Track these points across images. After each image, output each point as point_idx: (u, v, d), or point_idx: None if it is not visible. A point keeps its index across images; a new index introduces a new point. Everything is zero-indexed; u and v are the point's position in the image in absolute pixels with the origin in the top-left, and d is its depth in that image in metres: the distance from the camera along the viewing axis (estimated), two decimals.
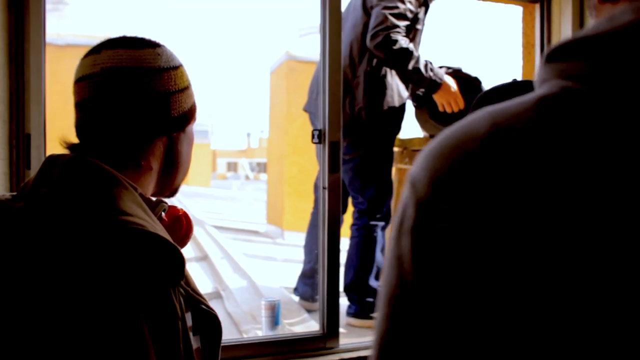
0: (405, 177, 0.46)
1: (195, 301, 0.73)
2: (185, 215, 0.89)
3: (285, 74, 6.28)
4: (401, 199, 0.41)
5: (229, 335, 2.50)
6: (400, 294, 0.38)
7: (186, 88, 0.80)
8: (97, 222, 0.63)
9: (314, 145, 1.74)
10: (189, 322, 0.71)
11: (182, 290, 0.69)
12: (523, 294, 0.33)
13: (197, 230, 5.07)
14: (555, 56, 0.39)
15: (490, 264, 0.33)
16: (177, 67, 0.79)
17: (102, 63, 0.74)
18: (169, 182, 0.83)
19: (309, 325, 2.49)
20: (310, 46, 6.51)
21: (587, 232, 0.32)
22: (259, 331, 2.34)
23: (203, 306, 0.74)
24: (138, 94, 0.74)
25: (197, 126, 0.90)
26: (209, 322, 0.76)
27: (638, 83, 0.34)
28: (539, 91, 0.38)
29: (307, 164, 6.06)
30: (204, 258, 4.21)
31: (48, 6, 1.36)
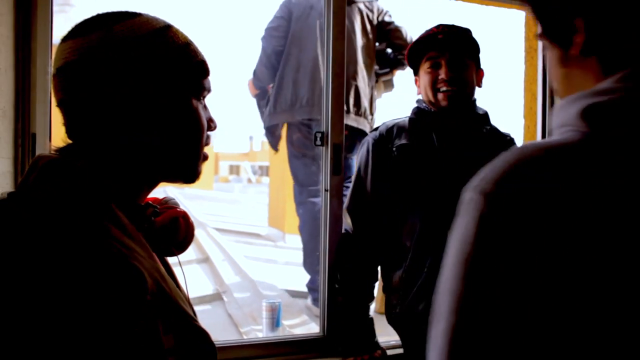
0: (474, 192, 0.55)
1: (179, 320, 0.67)
2: (185, 216, 0.84)
3: None
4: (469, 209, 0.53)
5: (229, 336, 2.50)
6: (477, 264, 0.50)
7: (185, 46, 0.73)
8: (53, 240, 0.58)
9: (317, 149, 1.75)
10: (171, 343, 0.65)
11: (157, 311, 0.63)
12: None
13: (199, 233, 5.08)
14: (589, 113, 0.52)
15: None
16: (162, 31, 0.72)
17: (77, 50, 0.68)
18: (174, 163, 0.75)
19: (310, 327, 2.49)
20: None
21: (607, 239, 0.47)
22: (260, 332, 2.34)
23: (198, 328, 0.69)
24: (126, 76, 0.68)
25: None
26: (198, 341, 0.70)
27: None
28: (577, 134, 0.53)
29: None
30: (205, 260, 4.21)
31: (54, 8, 1.37)
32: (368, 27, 2.50)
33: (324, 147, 1.64)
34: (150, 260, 0.67)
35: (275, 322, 1.70)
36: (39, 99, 1.32)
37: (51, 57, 1.34)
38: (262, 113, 2.74)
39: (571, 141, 0.53)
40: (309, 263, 2.70)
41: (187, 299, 0.75)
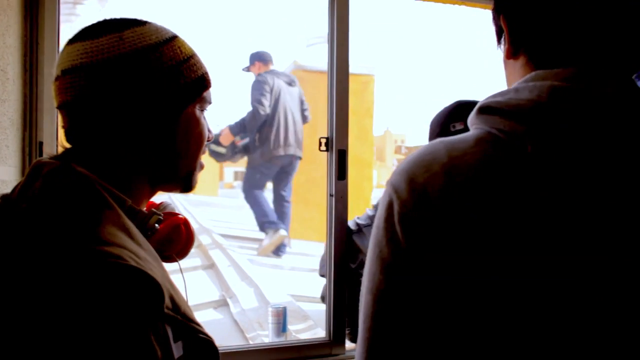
0: (386, 182, 0.59)
1: (187, 329, 0.67)
2: (186, 223, 0.85)
3: None
4: (384, 198, 0.56)
5: (235, 341, 2.51)
6: (396, 261, 0.53)
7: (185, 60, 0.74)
8: (70, 254, 0.57)
9: (320, 154, 1.76)
10: (180, 352, 0.65)
11: (169, 320, 0.63)
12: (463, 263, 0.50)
13: (204, 239, 5.08)
14: (487, 110, 0.55)
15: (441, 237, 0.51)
16: (168, 41, 0.73)
17: (87, 54, 0.68)
18: (170, 172, 0.76)
19: (315, 332, 2.49)
20: (317, 56, 6.55)
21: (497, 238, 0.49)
22: (266, 338, 2.35)
23: (201, 335, 0.69)
24: (133, 83, 0.68)
25: None
26: (204, 349, 0.70)
27: (549, 144, 0.50)
28: (475, 131, 0.56)
29: (314, 173, 6.06)
30: (211, 266, 4.22)
31: (60, 17, 1.39)
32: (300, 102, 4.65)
33: (328, 153, 1.65)
34: (161, 270, 0.67)
35: (281, 327, 1.70)
36: (46, 108, 1.34)
37: None
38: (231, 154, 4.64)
39: (466, 137, 0.56)
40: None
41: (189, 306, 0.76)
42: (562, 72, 0.54)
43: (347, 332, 1.59)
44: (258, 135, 4.41)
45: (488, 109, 0.55)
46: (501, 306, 0.48)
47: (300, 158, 4.64)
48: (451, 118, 1.33)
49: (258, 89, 4.39)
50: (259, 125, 4.37)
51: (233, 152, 4.51)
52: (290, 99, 4.50)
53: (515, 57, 0.60)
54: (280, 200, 4.63)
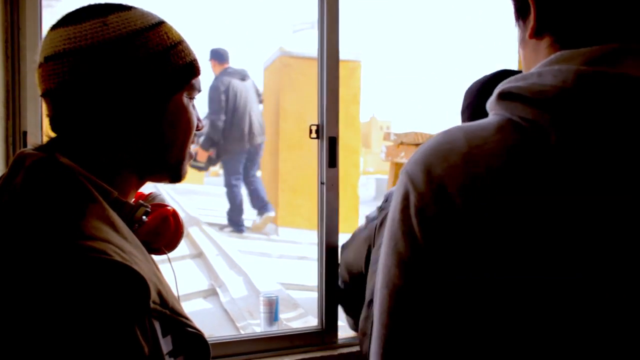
0: (400, 171, 0.55)
1: (176, 323, 0.66)
2: (175, 214, 0.83)
3: (279, 69, 6.25)
4: (399, 188, 0.54)
5: (226, 331, 2.50)
6: (413, 256, 0.50)
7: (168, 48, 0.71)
8: (53, 250, 0.56)
9: (308, 142, 1.75)
10: (169, 347, 0.64)
11: (156, 315, 0.62)
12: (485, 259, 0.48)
13: (191, 228, 5.05)
14: (508, 96, 0.52)
15: (460, 231, 0.49)
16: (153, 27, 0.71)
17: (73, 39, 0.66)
18: (159, 163, 0.75)
19: (306, 320, 2.50)
20: (304, 42, 6.49)
21: (520, 228, 0.46)
22: (256, 327, 2.34)
23: (189, 328, 0.68)
24: (118, 69, 0.66)
25: None
26: (193, 343, 0.69)
27: (570, 131, 0.47)
28: (495, 118, 0.53)
29: (301, 160, 6.04)
30: (199, 255, 4.20)
31: (42, 2, 1.35)
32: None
33: (319, 140, 1.63)
34: (148, 263, 0.66)
35: (273, 317, 1.70)
36: (30, 96, 1.30)
37: None
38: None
39: (487, 124, 0.52)
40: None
41: (178, 299, 0.75)
42: (589, 52, 0.49)
43: (349, 319, 1.56)
44: (225, 139, 5.06)
45: (509, 95, 0.52)
46: (524, 305, 0.46)
47: (263, 141, 5.35)
48: (494, 87, 1.19)
49: (212, 98, 4.93)
50: (221, 131, 4.96)
51: (210, 163, 5.28)
52: (247, 94, 4.99)
53: (539, 37, 0.55)
54: (250, 179, 5.21)
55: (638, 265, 0.45)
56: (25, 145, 1.31)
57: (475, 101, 1.17)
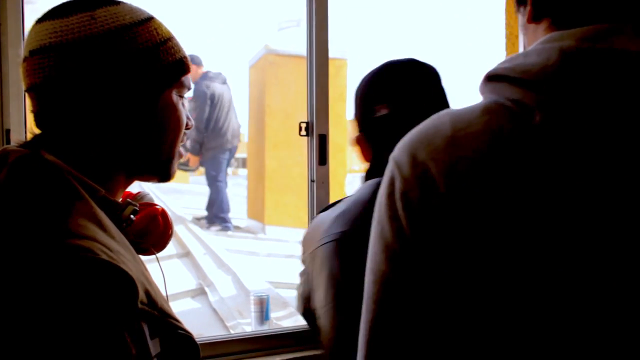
0: (390, 157, 0.55)
1: (164, 325, 0.64)
2: (164, 214, 0.82)
3: (265, 67, 6.22)
4: (386, 174, 0.54)
5: (215, 331, 2.48)
6: (398, 241, 0.50)
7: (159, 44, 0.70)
8: (37, 248, 0.54)
9: (294, 140, 1.74)
10: (157, 349, 0.63)
11: (144, 316, 0.60)
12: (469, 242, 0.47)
13: (177, 227, 5.01)
14: (495, 78, 0.52)
15: (441, 214, 0.49)
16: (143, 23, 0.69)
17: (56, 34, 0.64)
18: (150, 159, 0.73)
19: (296, 319, 2.49)
20: (289, 40, 6.47)
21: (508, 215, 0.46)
22: (247, 326, 2.33)
23: (180, 331, 0.66)
24: (104, 64, 0.64)
25: None
26: (183, 345, 0.67)
27: (559, 112, 0.46)
28: (483, 101, 0.52)
29: (288, 159, 6.02)
30: (186, 254, 4.16)
31: None
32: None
33: (309, 138, 1.62)
34: (136, 263, 0.64)
35: (264, 316, 1.68)
36: (13, 93, 1.26)
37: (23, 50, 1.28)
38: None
39: (474, 107, 0.52)
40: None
41: (166, 299, 0.73)
42: (580, 32, 0.48)
43: None
44: (210, 138, 5.18)
45: (496, 77, 0.51)
46: (507, 289, 0.45)
47: (237, 144, 5.52)
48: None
49: (198, 102, 5.03)
50: (204, 135, 5.13)
51: (197, 167, 5.56)
52: (226, 98, 5.15)
53: (537, 21, 0.55)
54: (214, 182, 5.29)
55: (622, 245, 0.44)
56: (8, 144, 1.27)
57: (358, 109, 1.04)
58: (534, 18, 0.55)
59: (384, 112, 0.98)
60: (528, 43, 0.58)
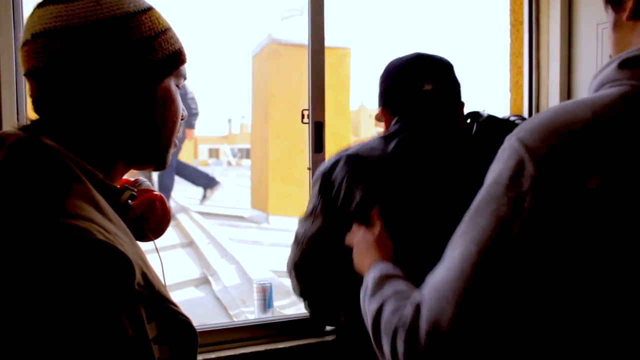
0: (507, 139, 0.55)
1: (161, 309, 0.64)
2: (162, 200, 0.82)
3: (268, 57, 6.20)
4: (511, 155, 0.53)
5: (219, 319, 2.49)
6: (516, 222, 0.50)
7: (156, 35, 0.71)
8: (34, 227, 0.54)
9: (298, 129, 1.73)
10: (154, 333, 0.62)
11: (141, 299, 0.59)
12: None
13: (181, 217, 5.03)
14: (631, 63, 0.52)
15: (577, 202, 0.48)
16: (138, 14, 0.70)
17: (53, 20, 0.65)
18: (148, 148, 0.73)
19: (299, 307, 2.49)
20: (293, 29, 6.43)
21: None
22: (250, 315, 2.33)
23: (180, 316, 0.66)
24: (102, 51, 0.65)
25: None
26: (180, 330, 0.67)
27: None
28: (616, 88, 0.53)
29: (291, 148, 6.01)
30: (189, 244, 4.17)
31: None
32: None
33: (307, 125, 1.60)
34: (133, 246, 0.64)
35: (267, 304, 1.68)
36: (5, 82, 1.25)
37: (15, 50, 1.27)
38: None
39: (607, 94, 0.52)
40: None
41: (165, 286, 0.73)
42: None
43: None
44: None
45: (633, 62, 0.52)
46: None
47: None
48: (410, 72, 1.16)
49: None
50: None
51: None
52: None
53: (633, 25, 0.57)
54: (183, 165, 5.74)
55: None
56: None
57: (391, 87, 1.17)
58: (633, 16, 0.56)
59: (428, 87, 1.15)
60: (623, 41, 0.59)
